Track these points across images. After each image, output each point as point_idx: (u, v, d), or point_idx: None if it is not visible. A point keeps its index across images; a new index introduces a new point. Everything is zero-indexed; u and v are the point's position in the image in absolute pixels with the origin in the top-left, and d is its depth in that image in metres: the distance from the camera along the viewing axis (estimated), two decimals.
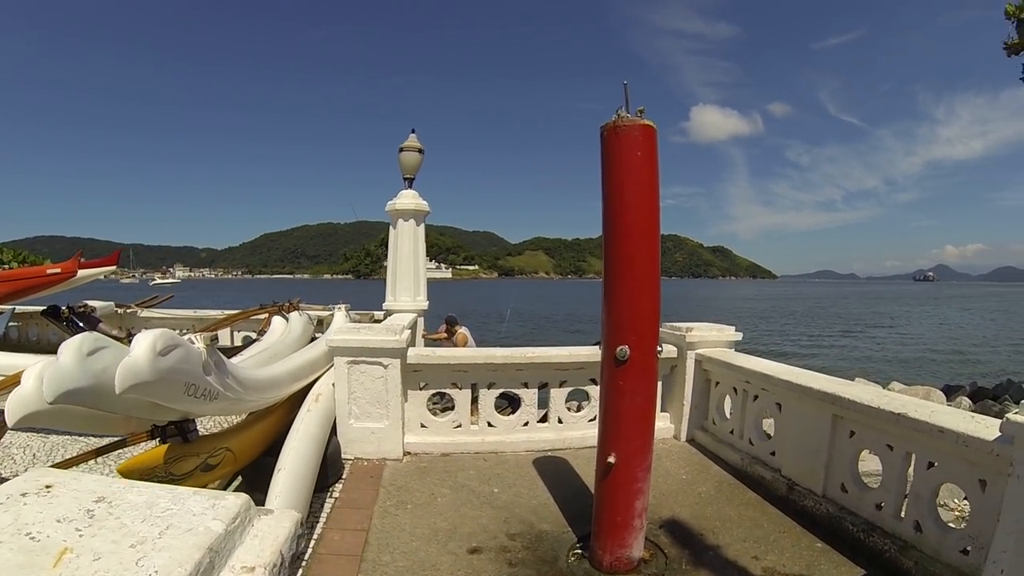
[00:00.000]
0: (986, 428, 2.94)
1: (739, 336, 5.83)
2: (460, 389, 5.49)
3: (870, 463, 4.03)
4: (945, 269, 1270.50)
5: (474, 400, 5.57)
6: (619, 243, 3.22)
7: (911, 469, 3.49)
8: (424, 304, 8.60)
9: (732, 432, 5.32)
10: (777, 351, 29.77)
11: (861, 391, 3.82)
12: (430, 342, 8.82)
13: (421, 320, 8.66)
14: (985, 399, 10.92)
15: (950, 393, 11.89)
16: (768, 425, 4.94)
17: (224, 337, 9.50)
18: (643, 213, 3.20)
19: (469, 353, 5.60)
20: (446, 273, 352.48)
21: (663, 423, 5.95)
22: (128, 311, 10.79)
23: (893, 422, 3.38)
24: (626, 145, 3.16)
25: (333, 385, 5.05)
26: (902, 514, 3.51)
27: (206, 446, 3.56)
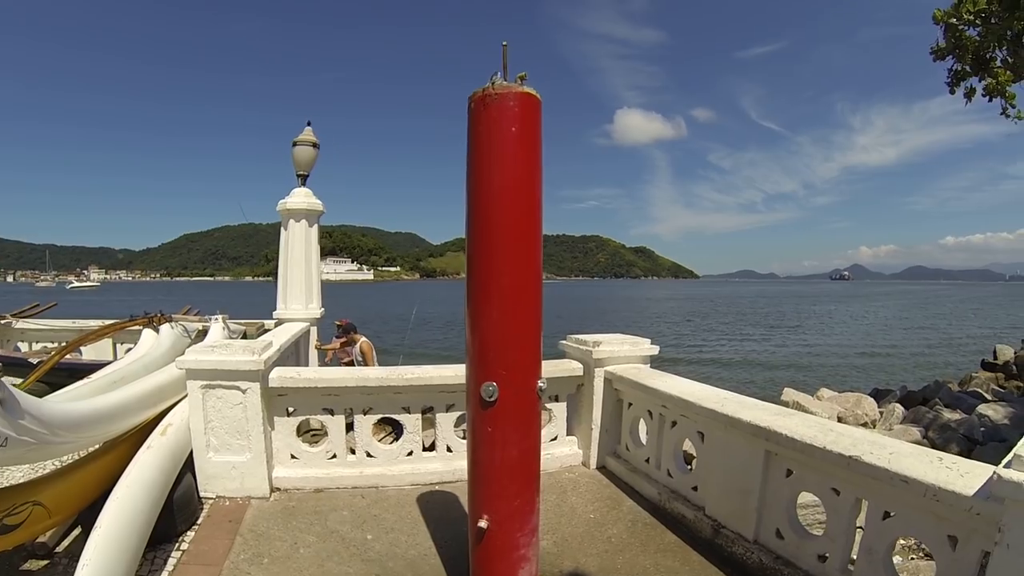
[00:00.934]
0: (961, 477, 2.26)
1: (655, 350, 5.09)
2: (334, 415, 4.61)
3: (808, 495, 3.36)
4: (860, 268, 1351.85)
5: (349, 427, 4.68)
6: (485, 246, 2.46)
7: (862, 516, 2.82)
8: (318, 312, 7.72)
9: (648, 461, 4.57)
10: (700, 357, 29.64)
11: (801, 425, 3.09)
12: (336, 358, 7.92)
13: (314, 330, 7.82)
14: (916, 405, 10.81)
15: (880, 398, 11.79)
16: (690, 447, 4.23)
17: (106, 351, 8.53)
18: (518, 207, 2.45)
19: (340, 375, 4.68)
20: (368, 275, 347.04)
21: (569, 448, 5.19)
22: (1, 322, 9.09)
23: (843, 466, 2.66)
24: (498, 118, 2.43)
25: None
26: (850, 567, 2.85)
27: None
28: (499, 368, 2.40)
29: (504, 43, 2.52)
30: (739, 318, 61.69)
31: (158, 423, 4.13)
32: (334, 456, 4.62)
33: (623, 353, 4.97)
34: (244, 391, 4.19)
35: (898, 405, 10.32)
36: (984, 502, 2.10)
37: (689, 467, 4.21)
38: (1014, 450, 1.98)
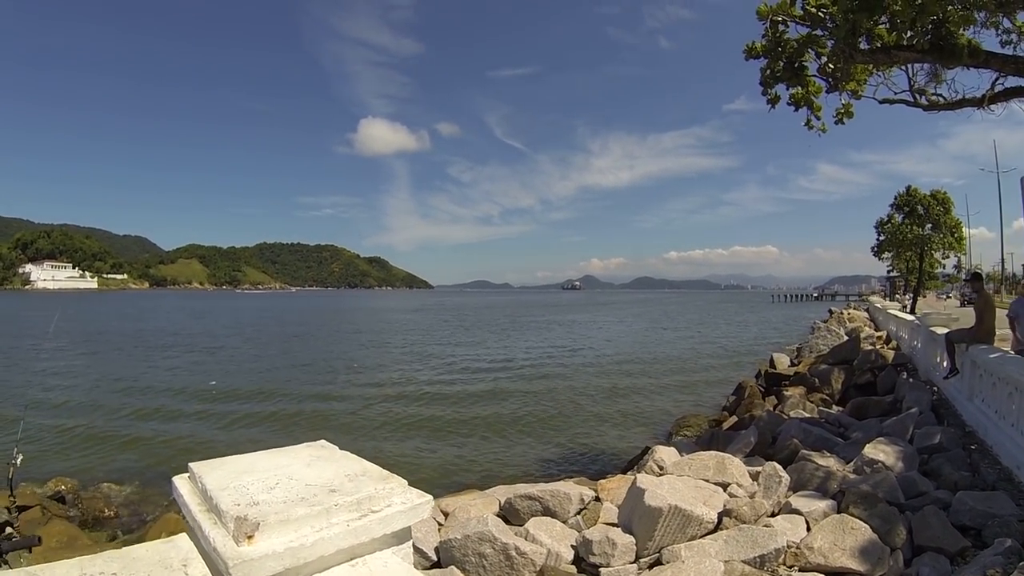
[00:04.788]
0: None
1: None
2: None
3: None
4: (591, 279, 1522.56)
5: None
6: None
7: None
8: None
9: None
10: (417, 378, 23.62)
11: None
12: None
13: None
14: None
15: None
16: None
17: None
18: None
19: None
20: (91, 282, 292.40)
21: None
22: None
23: None
24: None
25: None
26: None
27: None
28: None
29: None
30: (472, 327, 55.52)
31: None
32: None
33: None
34: None
35: (773, 463, 7.10)
36: None
37: None
38: None
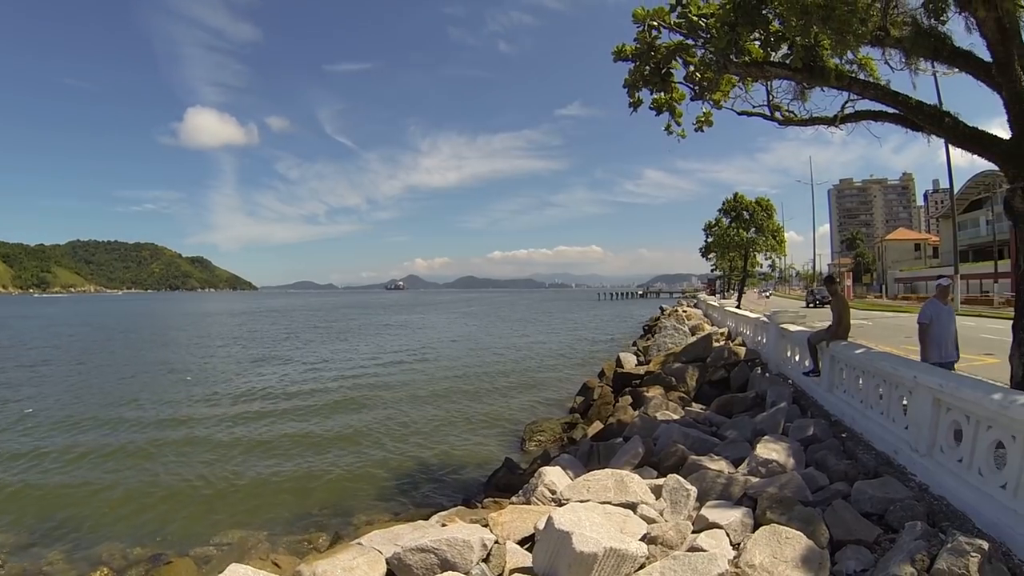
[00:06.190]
0: None
1: None
2: None
3: None
4: (416, 279, 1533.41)
5: None
6: None
7: None
8: None
9: None
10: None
11: None
12: None
13: None
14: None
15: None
16: None
17: None
18: None
19: None
20: None
21: None
22: None
23: None
24: None
25: None
26: None
27: None
28: None
29: None
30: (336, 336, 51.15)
31: None
32: None
33: None
34: None
35: (676, 475, 6.79)
36: None
37: None
38: None
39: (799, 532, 4.94)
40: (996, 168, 8.61)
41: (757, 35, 8.70)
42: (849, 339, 9.36)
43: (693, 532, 5.60)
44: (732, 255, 34.15)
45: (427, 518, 7.52)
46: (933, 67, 8.45)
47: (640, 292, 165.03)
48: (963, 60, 7.75)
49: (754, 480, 6.63)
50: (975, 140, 7.70)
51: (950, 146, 26.87)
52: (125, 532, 9.43)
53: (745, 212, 31.71)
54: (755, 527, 5.50)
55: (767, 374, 12.47)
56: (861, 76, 8.66)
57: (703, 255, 35.75)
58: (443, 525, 6.61)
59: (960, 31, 7.52)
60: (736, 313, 21.93)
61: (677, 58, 9.93)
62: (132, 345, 39.03)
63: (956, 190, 45.69)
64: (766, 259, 34.12)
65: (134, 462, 12.88)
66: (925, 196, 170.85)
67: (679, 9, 9.33)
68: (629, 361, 21.14)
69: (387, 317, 79.09)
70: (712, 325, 27.46)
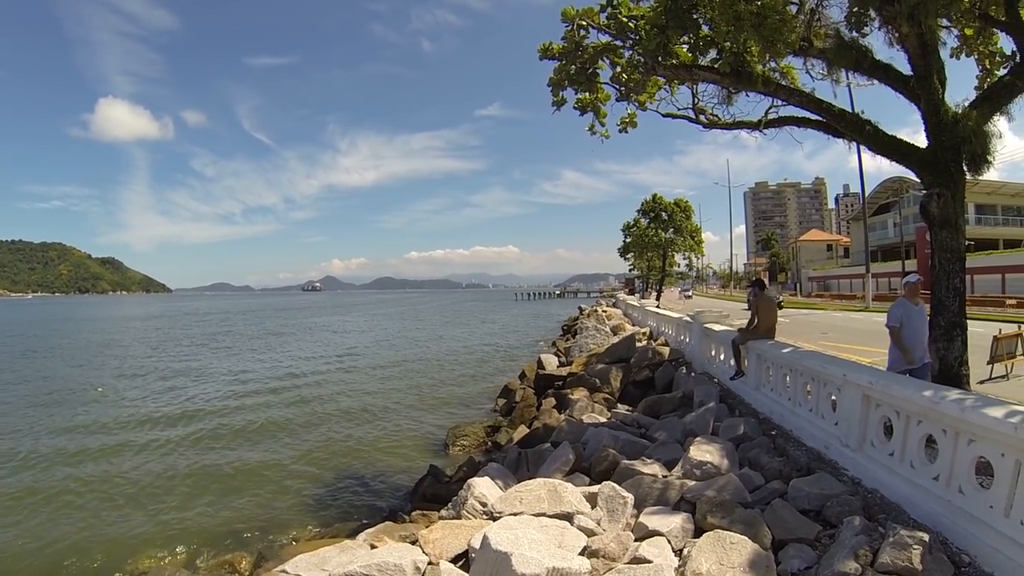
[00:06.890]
0: None
1: None
2: None
3: None
4: (332, 280, 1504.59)
5: None
6: None
7: None
8: None
9: None
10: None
11: None
12: None
13: None
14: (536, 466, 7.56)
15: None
16: None
17: None
18: None
19: None
20: None
21: None
22: None
23: None
24: None
25: None
26: None
27: None
28: None
29: None
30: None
31: None
32: None
33: None
34: None
35: (611, 483, 6.58)
36: None
37: None
38: None
39: (743, 536, 4.83)
40: (903, 174, 9.03)
41: (686, 39, 8.78)
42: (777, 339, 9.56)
43: (635, 541, 5.41)
44: (650, 255, 35.07)
45: (354, 534, 7.25)
46: (850, 78, 8.78)
47: (557, 292, 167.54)
48: (883, 72, 8.09)
49: (690, 483, 6.51)
50: (894, 148, 8.03)
51: (863, 153, 28.63)
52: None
53: (664, 213, 32.67)
54: (696, 532, 5.42)
55: (692, 373, 12.60)
56: (784, 83, 8.87)
57: (621, 255, 36.55)
58: (372, 546, 6.16)
59: (880, 45, 7.86)
60: (658, 313, 22.28)
61: (604, 58, 9.91)
62: (38, 361, 34.92)
63: (866, 194, 48.68)
64: (684, 259, 35.27)
65: (33, 500, 11.20)
66: (836, 199, 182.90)
67: (609, 10, 9.34)
68: (551, 362, 21.10)
69: (306, 320, 76.93)
70: (633, 325, 27.76)
